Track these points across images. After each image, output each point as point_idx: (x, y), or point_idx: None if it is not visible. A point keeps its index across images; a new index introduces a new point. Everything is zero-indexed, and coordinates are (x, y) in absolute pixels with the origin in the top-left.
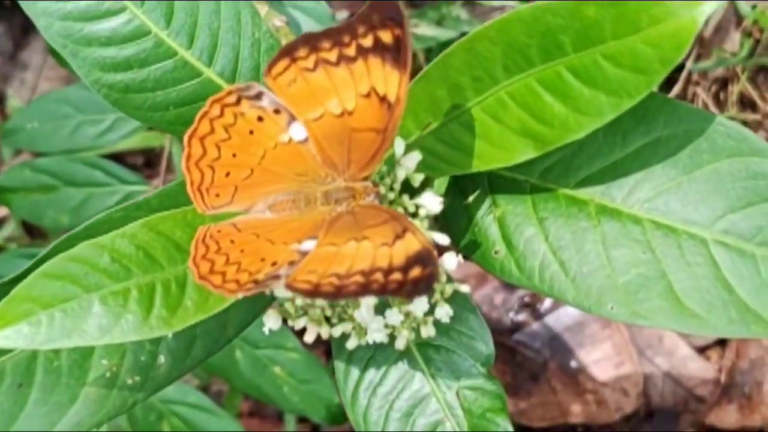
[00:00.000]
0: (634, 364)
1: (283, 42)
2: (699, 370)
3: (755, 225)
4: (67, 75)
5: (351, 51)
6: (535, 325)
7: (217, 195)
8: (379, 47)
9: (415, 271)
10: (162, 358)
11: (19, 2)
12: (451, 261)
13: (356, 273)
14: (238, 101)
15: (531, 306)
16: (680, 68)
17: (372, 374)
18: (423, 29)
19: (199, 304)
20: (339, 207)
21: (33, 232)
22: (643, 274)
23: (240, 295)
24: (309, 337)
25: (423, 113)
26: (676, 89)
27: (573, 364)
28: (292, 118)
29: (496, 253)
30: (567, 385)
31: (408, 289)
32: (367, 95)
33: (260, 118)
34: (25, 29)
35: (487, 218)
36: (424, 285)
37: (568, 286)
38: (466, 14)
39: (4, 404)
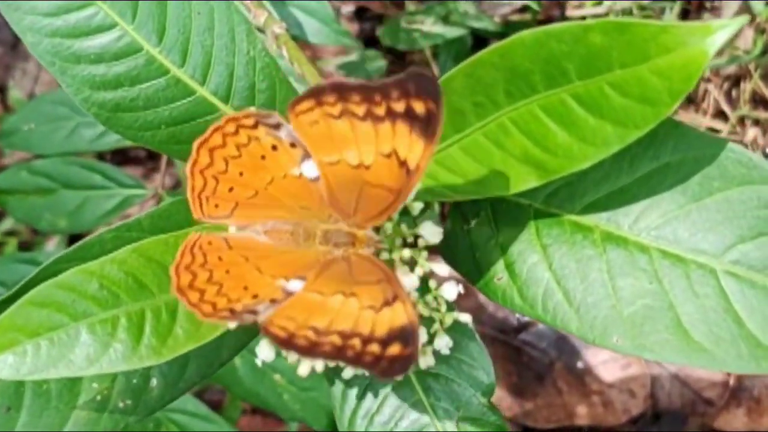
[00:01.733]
0: (642, 365)
1: (284, 51)
2: (707, 372)
3: (767, 256)
4: None
5: (380, 111)
6: (541, 325)
7: (216, 206)
8: (409, 115)
9: (394, 348)
10: (154, 381)
11: (6, 18)
12: (451, 291)
13: (335, 332)
14: (255, 125)
15: None
16: None
17: (369, 402)
18: (429, 26)
19: (191, 333)
20: (336, 251)
21: (32, 227)
22: (649, 306)
23: (211, 321)
24: (303, 370)
25: None
26: None
27: (579, 364)
28: (307, 156)
29: (498, 280)
30: (573, 386)
31: (383, 367)
32: (388, 156)
33: (275, 147)
34: None
35: (489, 244)
36: (400, 367)
37: (572, 316)
38: (474, 9)
39: None
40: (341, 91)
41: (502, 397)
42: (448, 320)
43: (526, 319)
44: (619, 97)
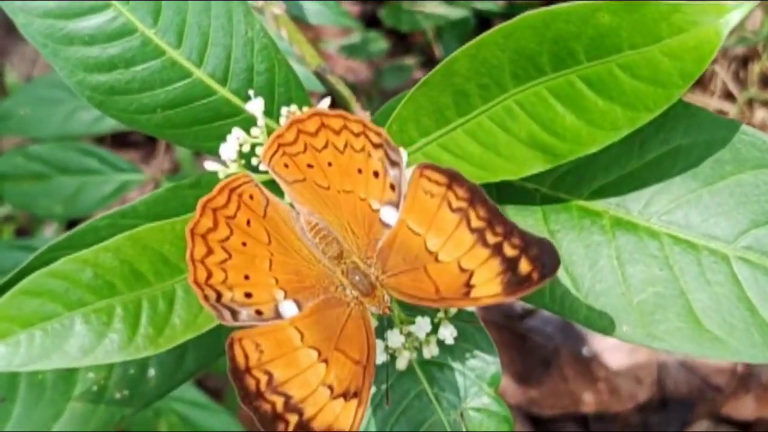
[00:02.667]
0: (648, 351)
1: (282, 33)
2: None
3: None
4: None
5: (491, 239)
6: (546, 312)
7: (286, 166)
8: (511, 265)
9: None
10: (152, 372)
11: None
12: (422, 326)
13: (283, 395)
14: (378, 145)
15: None
16: None
17: (373, 393)
18: (432, 7)
19: (188, 323)
20: (348, 291)
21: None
22: (660, 293)
23: (194, 289)
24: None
25: (426, 120)
26: None
27: (585, 351)
28: (395, 203)
29: None
30: (579, 372)
31: None
32: (463, 270)
33: (376, 174)
34: None
35: None
36: None
37: (580, 305)
38: None
39: None
40: (474, 195)
41: (506, 384)
42: (453, 310)
43: (531, 305)
44: (629, 79)
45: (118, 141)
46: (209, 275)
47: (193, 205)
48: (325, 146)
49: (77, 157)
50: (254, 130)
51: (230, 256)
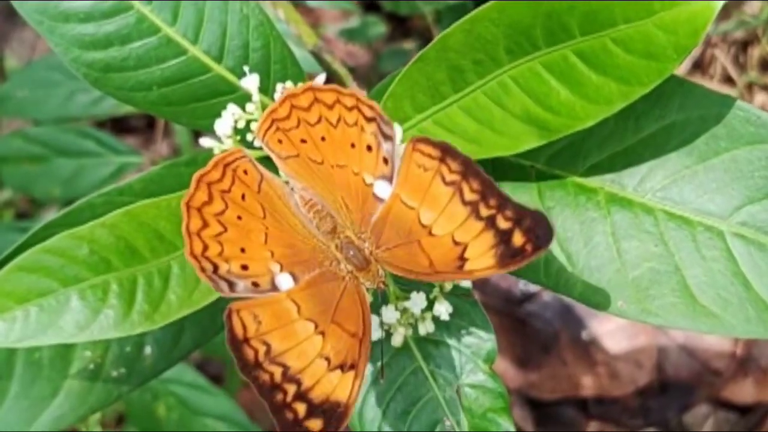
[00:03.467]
0: (648, 335)
1: (280, 14)
2: (715, 342)
3: None
4: None
5: (484, 212)
6: (546, 296)
7: (280, 141)
8: (504, 238)
9: (315, 423)
10: (148, 350)
11: None
12: (417, 302)
13: (281, 365)
14: (371, 119)
15: None
16: None
17: (368, 370)
18: None
19: (184, 299)
20: (343, 265)
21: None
22: (655, 269)
23: (191, 262)
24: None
25: (421, 96)
26: (695, 52)
27: (585, 335)
28: (389, 177)
29: None
30: (578, 356)
31: None
32: (456, 243)
33: (369, 148)
34: None
35: None
36: None
37: (576, 280)
38: None
39: None
40: (467, 168)
41: (506, 368)
42: (448, 285)
43: (530, 289)
44: (623, 53)
45: (117, 126)
46: (205, 248)
47: (189, 183)
48: (318, 121)
49: (76, 139)
50: (249, 106)
51: (225, 229)
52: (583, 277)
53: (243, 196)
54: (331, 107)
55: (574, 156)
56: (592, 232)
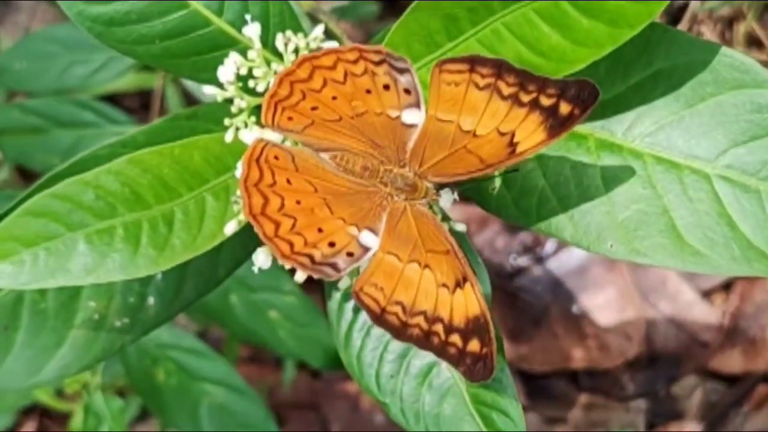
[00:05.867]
0: (637, 308)
1: None
2: (703, 314)
3: (760, 159)
4: (60, 16)
5: (526, 98)
6: (536, 270)
7: (291, 119)
8: (550, 112)
9: (474, 345)
10: (151, 300)
11: None
12: (446, 198)
13: (420, 313)
14: (380, 62)
15: (533, 250)
16: (684, 7)
17: (365, 316)
18: None
19: (187, 243)
20: (397, 197)
21: (27, 177)
22: (643, 211)
23: (288, 265)
24: (300, 276)
25: (417, 46)
26: (681, 28)
27: (575, 309)
28: (417, 105)
29: (493, 190)
30: (569, 330)
31: (467, 365)
32: (503, 134)
33: (387, 87)
34: None
35: None
36: (482, 369)
37: (567, 223)
38: None
39: None
40: (500, 68)
41: None
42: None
43: (521, 264)
44: None
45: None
46: (291, 245)
47: (189, 135)
48: (324, 85)
49: (73, 110)
50: (251, 53)
51: (294, 218)
52: (574, 219)
53: (288, 181)
54: (333, 68)
55: None
56: (582, 177)
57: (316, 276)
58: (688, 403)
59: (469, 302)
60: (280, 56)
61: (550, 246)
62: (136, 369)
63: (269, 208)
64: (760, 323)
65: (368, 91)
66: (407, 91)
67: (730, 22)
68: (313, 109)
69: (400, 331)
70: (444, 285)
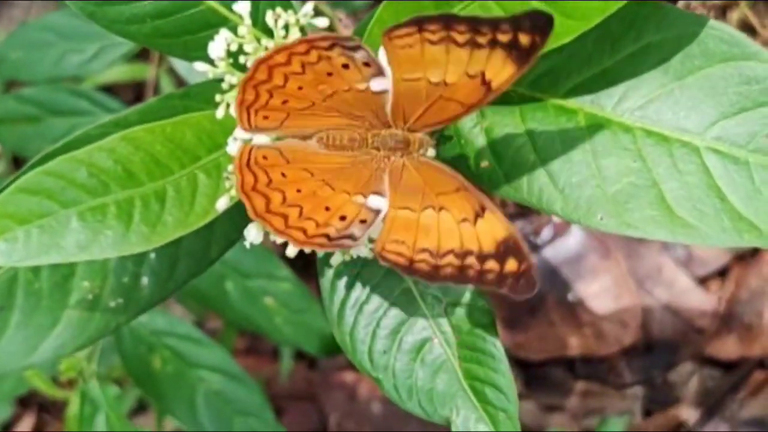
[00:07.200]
0: (633, 296)
1: None
2: (698, 301)
3: (749, 131)
4: (55, 9)
5: (483, 40)
6: (532, 259)
7: (266, 117)
8: (511, 45)
9: (511, 264)
10: (145, 280)
11: None
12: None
13: (447, 252)
14: (330, 47)
15: (528, 239)
16: None
17: (358, 292)
18: None
19: (180, 220)
20: (393, 156)
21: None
22: (633, 183)
23: (309, 249)
24: (291, 251)
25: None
26: None
27: (571, 296)
28: (380, 73)
29: (484, 165)
30: (565, 317)
31: (510, 285)
32: (473, 76)
33: (346, 66)
34: None
35: (475, 130)
36: (526, 284)
37: (557, 197)
38: None
39: None
40: (448, 22)
41: None
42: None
43: None
44: None
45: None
46: (304, 231)
47: (181, 113)
48: (286, 80)
49: (68, 98)
50: (241, 29)
51: (301, 206)
52: (565, 193)
53: (283, 175)
54: (288, 63)
55: (555, 80)
56: (572, 151)
57: (336, 251)
58: (685, 389)
59: (495, 227)
60: (270, 33)
61: (545, 234)
62: (132, 356)
63: (272, 205)
64: (755, 309)
65: (329, 74)
66: (366, 64)
67: (723, 10)
68: (284, 102)
69: (433, 275)
70: (464, 220)
